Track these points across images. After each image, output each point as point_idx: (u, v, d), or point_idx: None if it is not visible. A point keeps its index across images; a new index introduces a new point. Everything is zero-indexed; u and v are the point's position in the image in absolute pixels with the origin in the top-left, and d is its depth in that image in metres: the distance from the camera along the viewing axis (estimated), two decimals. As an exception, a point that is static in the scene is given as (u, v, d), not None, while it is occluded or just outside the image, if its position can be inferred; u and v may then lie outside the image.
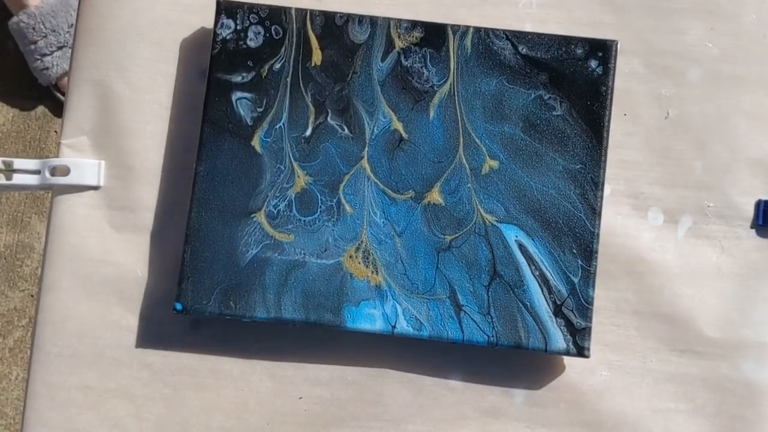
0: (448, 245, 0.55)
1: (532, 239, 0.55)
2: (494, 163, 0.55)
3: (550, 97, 0.56)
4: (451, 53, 0.56)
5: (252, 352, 0.57)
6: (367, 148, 0.56)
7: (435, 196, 0.55)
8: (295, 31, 0.57)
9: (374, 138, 0.56)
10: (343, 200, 0.56)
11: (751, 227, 0.58)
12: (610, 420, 0.56)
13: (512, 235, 0.55)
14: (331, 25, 0.57)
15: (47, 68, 1.24)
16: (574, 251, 0.55)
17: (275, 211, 0.56)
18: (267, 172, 0.56)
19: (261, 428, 0.57)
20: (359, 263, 0.55)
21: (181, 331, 0.58)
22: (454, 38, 0.56)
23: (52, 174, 0.59)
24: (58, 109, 1.31)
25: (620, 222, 0.58)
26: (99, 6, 0.61)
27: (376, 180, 0.56)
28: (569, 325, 0.54)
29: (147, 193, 0.59)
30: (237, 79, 0.56)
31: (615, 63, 0.56)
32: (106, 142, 0.59)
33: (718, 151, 0.58)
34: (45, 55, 1.24)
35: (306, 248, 0.55)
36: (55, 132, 1.31)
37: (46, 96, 1.31)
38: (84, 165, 0.59)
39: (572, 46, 0.56)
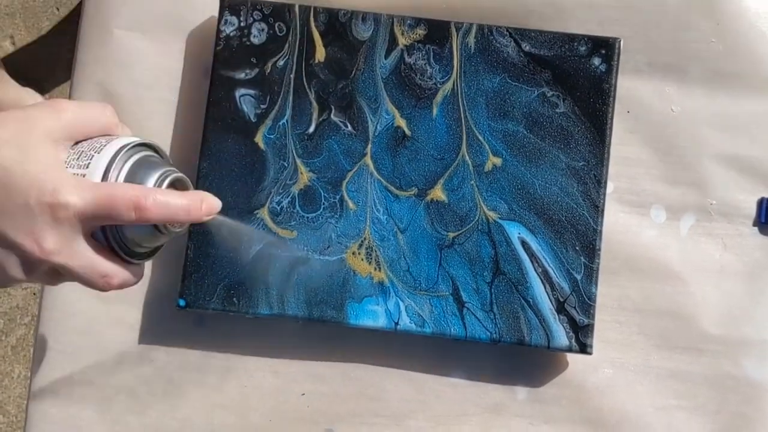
0: (451, 242, 0.55)
1: (535, 236, 0.55)
2: (497, 160, 0.55)
3: (553, 95, 0.56)
4: (455, 50, 0.56)
5: (255, 348, 0.57)
6: (370, 145, 0.56)
7: (438, 193, 0.55)
8: (299, 28, 0.57)
9: (377, 135, 0.56)
10: (346, 197, 0.56)
11: (754, 225, 0.58)
12: (613, 417, 0.56)
13: (515, 232, 0.55)
14: (335, 22, 0.57)
15: None
16: (577, 248, 0.55)
17: (278, 208, 0.56)
18: (270, 169, 0.56)
19: (263, 424, 0.57)
20: (362, 260, 0.55)
21: (184, 327, 0.58)
22: (457, 35, 0.56)
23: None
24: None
25: (623, 219, 0.58)
26: (102, 3, 0.61)
27: (379, 177, 0.56)
28: (572, 322, 0.54)
29: (150, 189, 0.59)
30: (240, 75, 0.56)
31: (618, 60, 0.56)
32: (109, 139, 0.59)
33: (721, 148, 0.58)
34: None
35: (309, 245, 0.55)
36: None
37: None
38: (87, 161, 0.59)
39: (575, 44, 0.56)
